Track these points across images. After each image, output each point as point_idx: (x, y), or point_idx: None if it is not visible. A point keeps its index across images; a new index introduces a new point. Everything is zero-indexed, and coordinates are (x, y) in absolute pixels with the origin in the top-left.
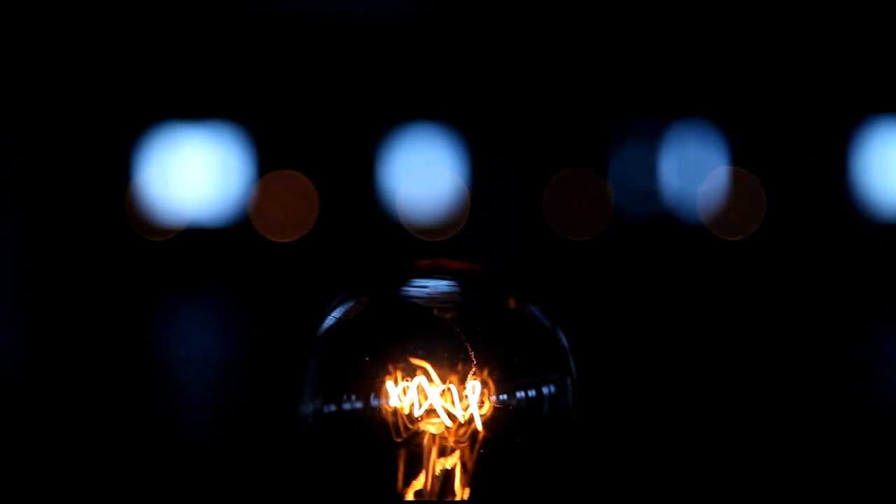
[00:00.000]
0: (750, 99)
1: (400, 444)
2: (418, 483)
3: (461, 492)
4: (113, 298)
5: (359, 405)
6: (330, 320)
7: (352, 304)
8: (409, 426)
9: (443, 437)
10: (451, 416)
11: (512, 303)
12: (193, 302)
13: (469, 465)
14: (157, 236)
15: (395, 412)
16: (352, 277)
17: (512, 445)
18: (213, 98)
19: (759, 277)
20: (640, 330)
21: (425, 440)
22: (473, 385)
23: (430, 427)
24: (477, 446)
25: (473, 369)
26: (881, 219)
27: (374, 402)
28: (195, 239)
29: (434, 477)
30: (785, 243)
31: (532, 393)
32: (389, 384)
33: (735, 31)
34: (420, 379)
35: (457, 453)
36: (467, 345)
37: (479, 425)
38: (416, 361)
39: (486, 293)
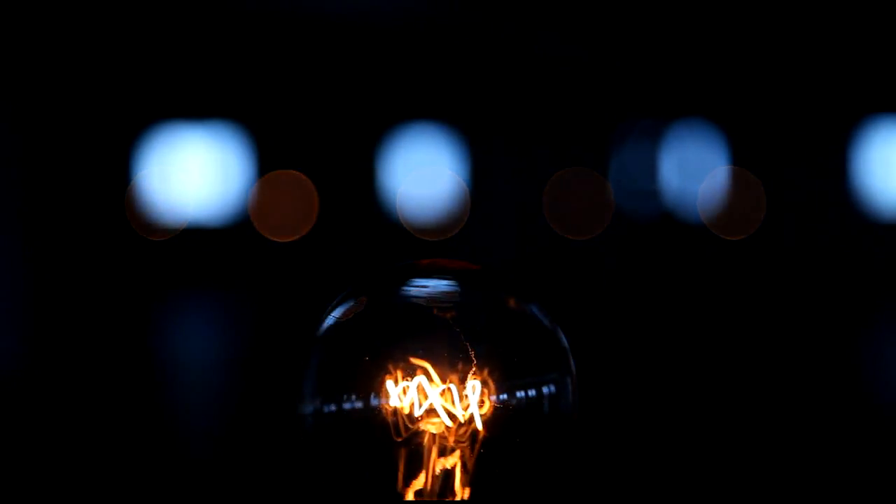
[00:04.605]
0: (750, 99)
1: (400, 443)
2: (418, 483)
3: (461, 492)
4: (113, 298)
5: (359, 405)
6: (330, 320)
7: (352, 304)
8: (410, 426)
9: (443, 437)
10: (451, 416)
11: (512, 303)
12: (193, 302)
13: (469, 464)
14: (157, 236)
15: (395, 412)
16: (352, 277)
17: (512, 445)
18: (213, 98)
19: (759, 277)
20: (640, 330)
21: (425, 440)
22: (473, 385)
23: (430, 427)
24: (477, 446)
25: (473, 369)
26: (881, 219)
27: (374, 402)
28: (195, 239)
29: (434, 476)
30: (785, 243)
31: (532, 393)
32: (389, 384)
33: (735, 31)
34: (420, 379)
35: (457, 453)
36: (467, 345)
37: (479, 425)
38: (416, 361)
39: (486, 293)
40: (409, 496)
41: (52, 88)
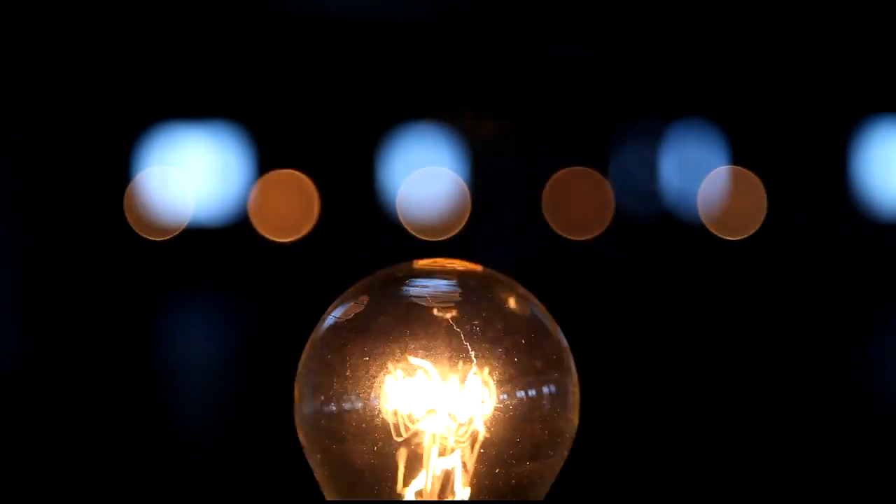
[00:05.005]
0: (750, 99)
1: (400, 443)
2: (418, 483)
3: (461, 492)
4: (113, 298)
5: (359, 405)
6: (330, 320)
7: (352, 304)
8: (410, 426)
9: (443, 437)
10: (451, 416)
11: (512, 303)
12: (193, 302)
13: (469, 464)
14: (157, 236)
15: (396, 412)
16: (352, 277)
17: (512, 445)
18: (213, 98)
19: (759, 277)
20: (640, 330)
21: (425, 440)
22: (473, 385)
23: (431, 427)
24: (477, 446)
25: (473, 369)
26: (881, 219)
27: (374, 402)
28: (195, 239)
29: (434, 477)
30: (785, 243)
31: (532, 393)
32: (389, 384)
33: (735, 31)
34: (420, 378)
35: (457, 453)
36: (467, 345)
37: (479, 425)
38: (416, 361)
39: (486, 293)
40: (409, 496)
41: (52, 88)
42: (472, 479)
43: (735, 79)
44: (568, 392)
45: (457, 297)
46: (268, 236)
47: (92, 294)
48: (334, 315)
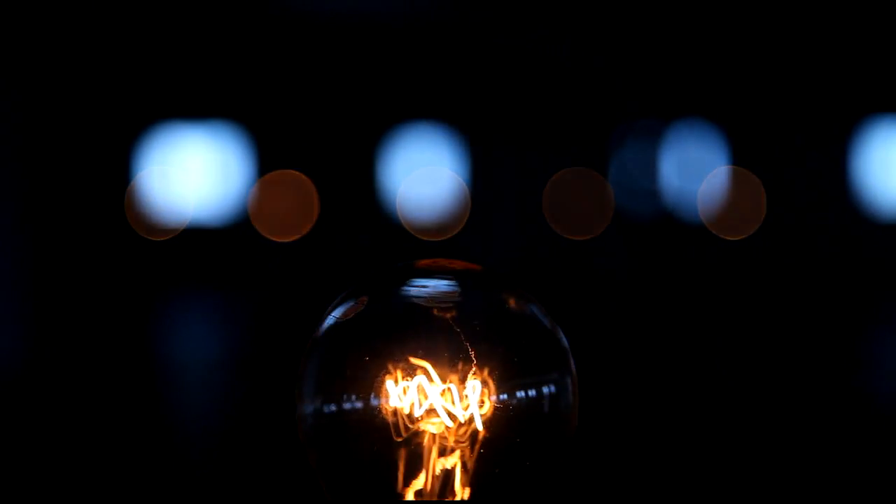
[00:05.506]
0: (750, 99)
1: (400, 443)
2: (418, 483)
3: (461, 492)
4: (113, 298)
5: (359, 405)
6: (330, 320)
7: (352, 304)
8: (410, 426)
9: (443, 437)
10: (451, 416)
11: (512, 303)
12: (193, 302)
13: (469, 464)
14: (157, 236)
15: (396, 412)
16: (352, 277)
17: (512, 445)
18: (213, 98)
19: (759, 277)
20: (640, 329)
21: (425, 440)
22: (473, 385)
23: (431, 427)
24: (477, 446)
25: (473, 369)
26: (881, 219)
27: (374, 402)
28: (195, 239)
29: (434, 477)
30: (785, 243)
31: (532, 393)
32: (389, 384)
33: (735, 31)
34: (420, 379)
35: (457, 453)
36: (467, 344)
37: (479, 425)
38: (416, 361)
39: (486, 293)
40: (409, 496)
41: (52, 88)
42: (472, 479)
43: (735, 79)
44: (568, 392)
45: (457, 297)
46: (268, 236)
47: (93, 294)
48: (334, 315)
